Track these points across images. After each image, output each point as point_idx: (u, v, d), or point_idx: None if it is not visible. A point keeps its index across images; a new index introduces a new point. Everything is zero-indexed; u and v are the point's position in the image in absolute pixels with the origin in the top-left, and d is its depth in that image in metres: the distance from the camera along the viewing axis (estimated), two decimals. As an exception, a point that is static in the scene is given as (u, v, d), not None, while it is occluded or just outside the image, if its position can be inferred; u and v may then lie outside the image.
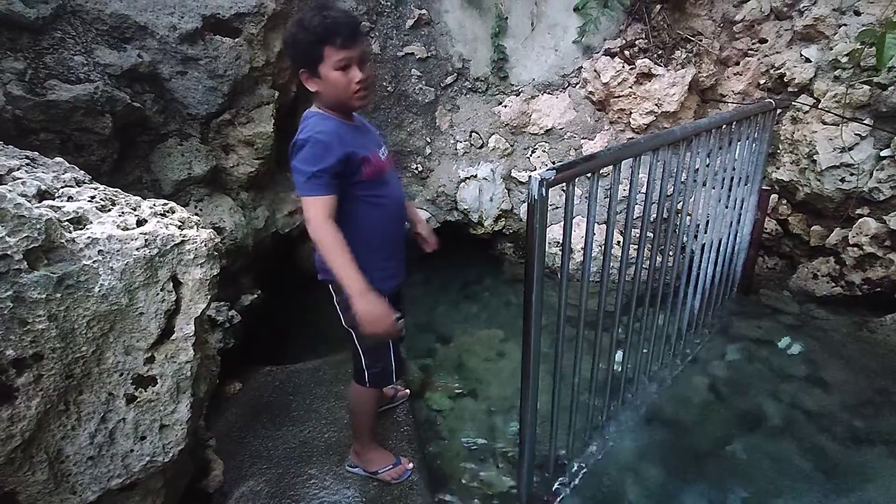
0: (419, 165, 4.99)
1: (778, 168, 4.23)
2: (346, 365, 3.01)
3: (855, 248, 3.78)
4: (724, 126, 2.98)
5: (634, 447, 2.97)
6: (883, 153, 3.70)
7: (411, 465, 2.58)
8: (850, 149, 3.77)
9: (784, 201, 4.30)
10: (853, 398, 3.21)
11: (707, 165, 3.02)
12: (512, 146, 4.85)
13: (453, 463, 2.90)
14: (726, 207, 3.39)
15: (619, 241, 3.96)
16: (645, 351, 3.16)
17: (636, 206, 3.42)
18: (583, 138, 4.66)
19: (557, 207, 4.62)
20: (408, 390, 3.18)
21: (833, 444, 2.96)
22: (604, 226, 2.67)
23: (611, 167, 2.16)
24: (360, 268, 1.85)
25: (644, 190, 2.50)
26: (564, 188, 1.93)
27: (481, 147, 4.88)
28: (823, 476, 2.78)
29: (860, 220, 3.80)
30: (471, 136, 4.89)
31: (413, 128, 4.92)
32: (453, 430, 3.14)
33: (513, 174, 4.87)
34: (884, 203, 3.72)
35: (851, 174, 3.79)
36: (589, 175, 2.04)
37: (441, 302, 4.64)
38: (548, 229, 2.00)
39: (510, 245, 5.23)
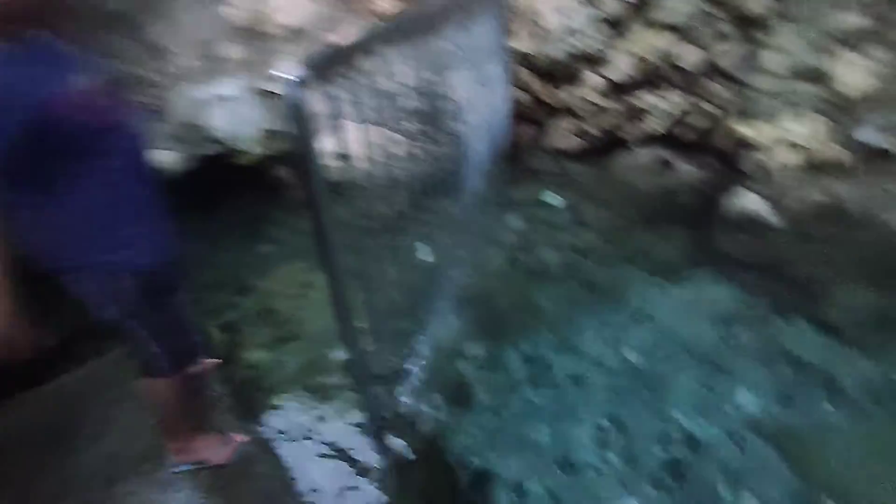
0: (147, 97, 4.07)
1: (518, 41, 4.49)
2: (124, 361, 2.50)
3: (586, 104, 4.33)
4: (464, 3, 2.95)
5: (457, 332, 3.17)
6: (600, 16, 4.16)
7: (242, 438, 2.34)
8: (573, 16, 4.15)
9: (528, 71, 4.65)
10: (610, 231, 3.85)
11: (455, 46, 3.00)
12: (253, 54, 4.23)
13: (290, 416, 2.74)
14: (482, 86, 3.51)
15: (391, 139, 3.88)
16: (443, 240, 3.26)
17: (399, 99, 3.31)
18: (328, 32, 4.28)
19: (325, 115, 4.28)
20: (216, 360, 2.81)
21: (603, 271, 3.55)
22: (374, 126, 2.51)
23: (369, 60, 1.97)
24: (85, 253, 1.42)
25: (404, 79, 2.38)
26: (323, 89, 1.70)
27: (217, 60, 4.15)
28: (601, 297, 3.36)
29: (586, 76, 4.32)
30: (200, 48, 4.11)
31: (122, 51, 3.92)
32: (280, 381, 2.93)
33: (263, 86, 4.31)
34: (602, 60, 4.26)
35: (576, 38, 4.21)
36: (346, 70, 1.83)
37: (226, 249, 4.11)
38: (319, 139, 1.77)
39: (285, 168, 4.79)
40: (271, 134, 4.42)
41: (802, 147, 3.30)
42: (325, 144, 4.07)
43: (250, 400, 2.79)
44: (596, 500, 2.40)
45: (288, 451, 2.51)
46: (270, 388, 2.88)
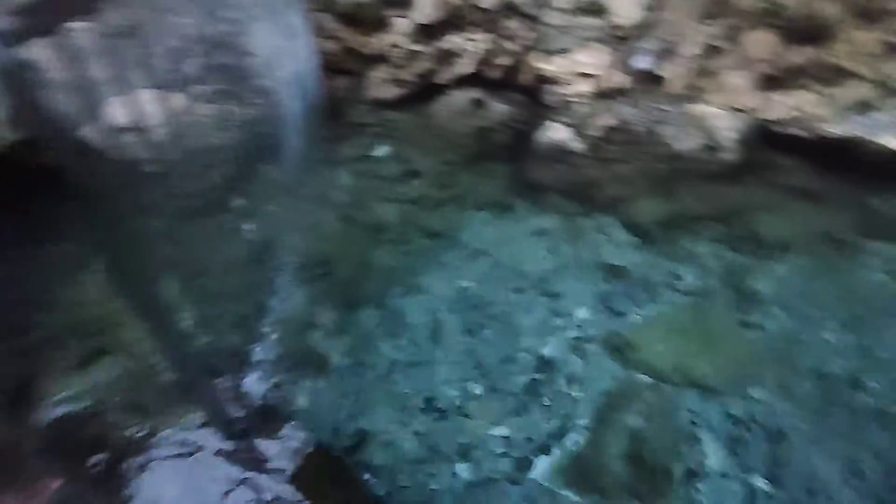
0: None
1: (313, -17, 4.16)
2: None
3: (398, 49, 4.23)
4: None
5: (303, 302, 3.01)
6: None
7: (55, 484, 1.97)
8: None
9: (331, 17, 4.36)
10: (437, 176, 3.90)
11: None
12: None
13: (118, 441, 2.37)
14: (284, 38, 3.21)
15: (189, 104, 3.41)
16: (271, 210, 3.02)
17: (188, 55, 2.88)
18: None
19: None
20: None
21: (436, 216, 3.62)
22: (165, 90, 2.15)
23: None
24: None
25: (188, 31, 2.05)
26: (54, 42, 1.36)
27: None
28: (438, 241, 3.44)
29: (394, 21, 4.19)
30: None
31: None
32: (97, 404, 2.51)
33: None
34: (406, 2, 4.16)
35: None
36: (85, 16, 1.49)
37: (16, 260, 3.32)
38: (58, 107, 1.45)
39: (48, 150, 3.95)
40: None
41: (592, 76, 3.66)
42: (108, 115, 3.45)
43: (66, 433, 2.35)
44: (468, 437, 2.54)
45: (123, 479, 2.19)
46: (87, 416, 2.45)
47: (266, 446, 2.29)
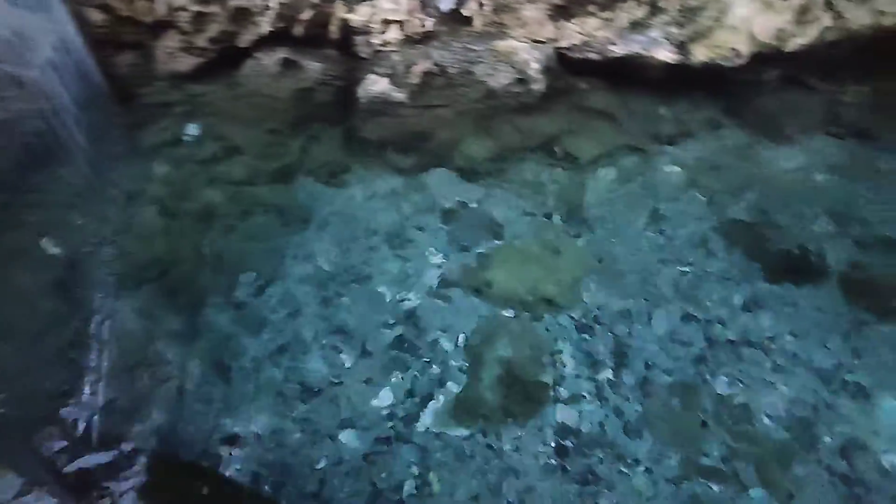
0: None
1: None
2: None
3: (183, 12, 3.74)
4: None
5: (137, 313, 2.70)
6: None
7: None
8: None
9: (89, -19, 3.67)
10: (262, 148, 3.63)
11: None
12: None
13: None
14: (30, 14, 2.65)
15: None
16: (73, 220, 2.60)
17: None
18: None
19: None
20: None
21: (270, 191, 3.40)
22: None
23: None
24: None
25: None
26: None
27: None
28: (278, 217, 3.27)
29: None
30: None
31: None
32: None
33: None
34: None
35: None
36: None
37: None
38: None
39: None
40: None
41: (399, 22, 3.59)
42: None
43: None
44: (349, 409, 2.53)
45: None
46: None
47: (115, 485, 2.07)
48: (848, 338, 2.68)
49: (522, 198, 3.40)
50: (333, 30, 3.74)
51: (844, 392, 2.51)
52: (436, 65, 3.62)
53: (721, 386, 2.56)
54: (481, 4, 3.62)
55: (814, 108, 3.79)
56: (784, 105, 3.79)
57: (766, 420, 2.44)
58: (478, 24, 3.69)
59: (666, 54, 3.68)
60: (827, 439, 2.37)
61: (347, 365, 2.68)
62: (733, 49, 3.57)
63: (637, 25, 3.70)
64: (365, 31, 3.68)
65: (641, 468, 2.34)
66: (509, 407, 2.55)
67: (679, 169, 3.53)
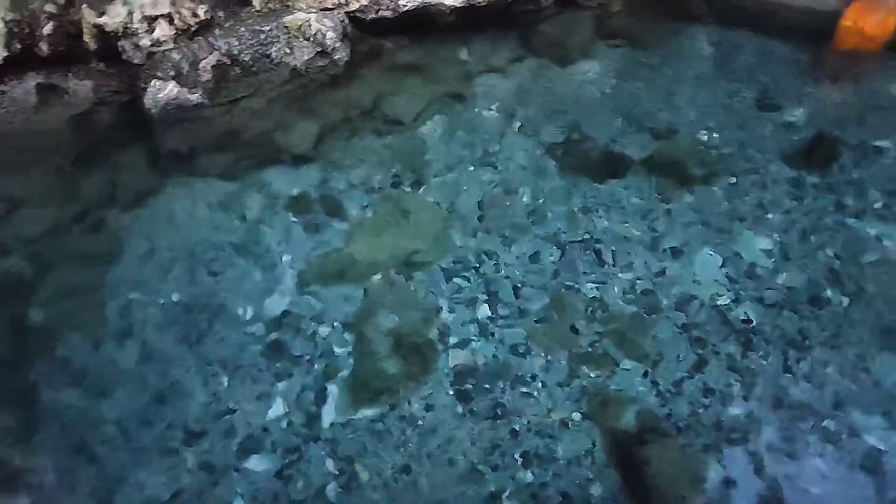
0: None
1: None
2: None
3: None
4: None
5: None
6: None
7: None
8: None
9: None
10: (52, 194, 3.11)
11: None
12: None
13: None
14: None
15: None
16: None
17: None
18: None
19: None
20: None
21: (82, 239, 2.98)
22: None
23: None
24: None
25: None
26: None
27: None
28: (103, 266, 2.88)
29: None
30: None
31: None
32: None
33: None
34: None
35: None
36: None
37: None
38: None
39: None
40: None
41: (163, 16, 3.19)
42: None
43: None
44: (241, 434, 2.39)
45: None
46: None
47: None
48: (661, 213, 3.13)
49: (360, 171, 3.35)
50: (89, 40, 3.23)
51: (667, 257, 2.95)
52: (225, 55, 3.34)
53: (580, 287, 2.85)
54: (252, -21, 3.39)
55: (589, 24, 4.20)
56: (565, 27, 4.16)
57: (619, 303, 2.79)
58: (257, 2, 3.45)
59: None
60: (665, 301, 2.79)
61: (229, 392, 2.51)
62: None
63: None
64: (127, 33, 3.24)
65: (538, 384, 2.55)
66: (407, 373, 2.59)
67: (495, 107, 3.73)
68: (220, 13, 3.43)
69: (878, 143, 3.35)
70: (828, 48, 3.87)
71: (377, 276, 2.91)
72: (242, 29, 3.44)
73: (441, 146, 3.51)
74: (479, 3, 3.83)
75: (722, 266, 2.89)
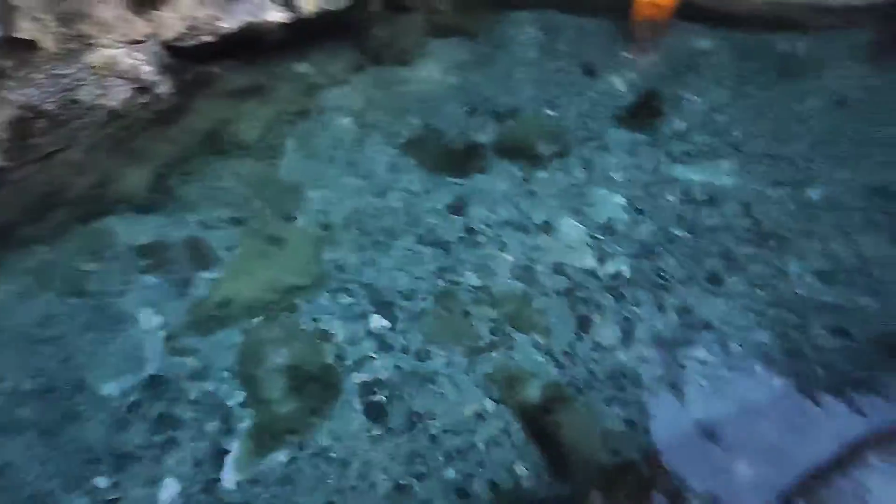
0: None
1: None
2: None
3: None
4: None
5: None
6: None
7: None
8: None
9: None
10: None
11: None
12: None
13: None
14: None
15: None
16: None
17: None
18: None
19: None
20: None
21: None
22: None
23: None
24: None
25: None
26: None
27: None
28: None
29: None
30: None
31: None
32: None
33: None
34: None
35: None
36: None
37: None
38: None
39: None
40: None
41: None
42: None
43: None
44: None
45: None
46: None
47: None
48: (523, 193, 3.29)
49: (214, 207, 3.11)
50: None
51: (538, 232, 3.11)
52: (23, 108, 2.91)
53: (465, 279, 2.90)
54: (35, 19, 2.97)
55: (419, 24, 4.29)
56: (397, 29, 4.20)
57: (503, 285, 2.88)
58: (49, 44, 3.04)
59: (277, 15, 3.66)
60: (543, 273, 2.94)
61: (109, 484, 2.19)
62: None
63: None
64: None
65: (444, 380, 2.55)
66: (309, 407, 2.45)
67: (344, 117, 3.66)
68: (8, 62, 2.97)
69: (687, 95, 3.82)
70: (629, 20, 4.33)
71: (257, 316, 2.71)
72: (40, 76, 3.02)
73: (297, 165, 3.38)
74: (307, 15, 3.73)
75: (586, 229, 3.11)
